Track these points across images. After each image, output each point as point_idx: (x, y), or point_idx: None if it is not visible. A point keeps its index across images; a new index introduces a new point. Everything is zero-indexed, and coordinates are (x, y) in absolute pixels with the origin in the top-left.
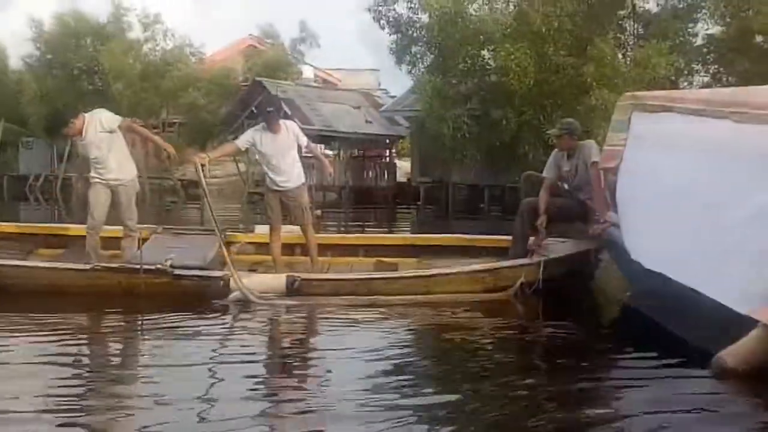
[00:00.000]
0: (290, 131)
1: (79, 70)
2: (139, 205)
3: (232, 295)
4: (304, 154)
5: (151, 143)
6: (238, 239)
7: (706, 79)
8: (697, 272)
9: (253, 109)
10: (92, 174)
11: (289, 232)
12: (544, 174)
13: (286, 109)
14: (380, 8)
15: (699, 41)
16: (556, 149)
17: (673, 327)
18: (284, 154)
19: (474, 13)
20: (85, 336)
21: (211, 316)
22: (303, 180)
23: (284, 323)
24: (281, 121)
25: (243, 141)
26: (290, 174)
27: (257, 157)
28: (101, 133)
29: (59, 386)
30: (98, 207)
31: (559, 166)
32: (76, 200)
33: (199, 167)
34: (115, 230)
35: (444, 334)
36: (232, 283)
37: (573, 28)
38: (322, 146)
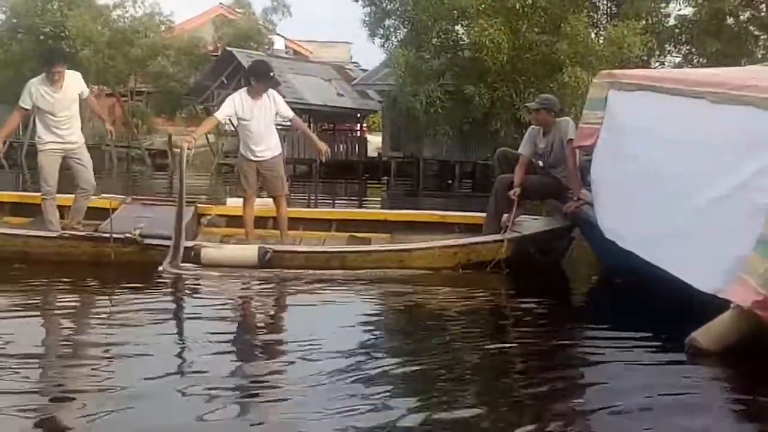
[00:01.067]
0: (272, 100)
1: (45, 35)
2: (105, 173)
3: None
4: (281, 126)
5: (118, 113)
6: (210, 212)
7: (677, 59)
8: (668, 252)
9: (224, 79)
10: (44, 137)
11: (263, 204)
12: (520, 150)
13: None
14: None
15: (671, 21)
16: (532, 126)
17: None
18: (266, 123)
19: None
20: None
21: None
22: (280, 150)
23: (242, 296)
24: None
25: (223, 113)
26: (269, 143)
27: (235, 124)
28: (74, 95)
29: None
30: (52, 173)
31: (534, 142)
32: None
33: (185, 152)
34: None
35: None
36: (203, 255)
37: (547, 6)
38: None
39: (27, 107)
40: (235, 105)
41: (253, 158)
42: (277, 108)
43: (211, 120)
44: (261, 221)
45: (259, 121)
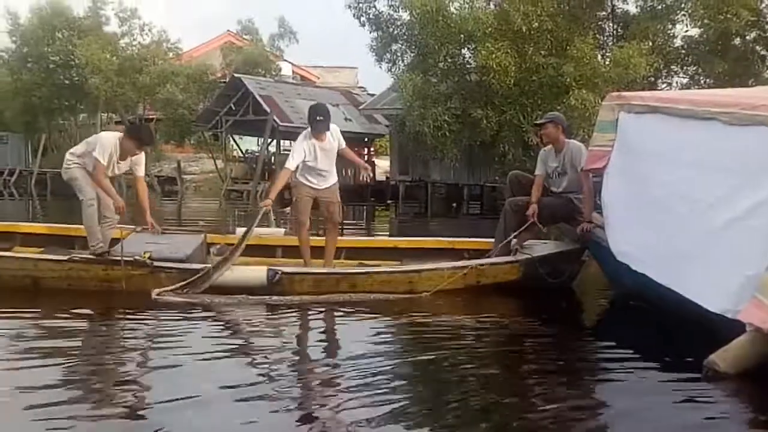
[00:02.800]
0: (335, 137)
1: (54, 63)
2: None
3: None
4: None
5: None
6: (219, 241)
7: (684, 80)
8: (681, 274)
9: (232, 105)
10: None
11: (270, 233)
12: (536, 172)
13: (266, 106)
14: (361, 5)
15: (678, 42)
16: (543, 147)
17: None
18: (329, 161)
19: (455, 11)
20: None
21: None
22: (336, 178)
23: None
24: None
25: (294, 162)
26: (329, 174)
27: (300, 166)
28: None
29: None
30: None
31: (545, 162)
32: (51, 196)
33: (262, 212)
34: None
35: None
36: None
37: (553, 28)
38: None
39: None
40: (304, 152)
41: (311, 186)
42: (338, 143)
43: (285, 172)
44: (270, 249)
45: (323, 160)
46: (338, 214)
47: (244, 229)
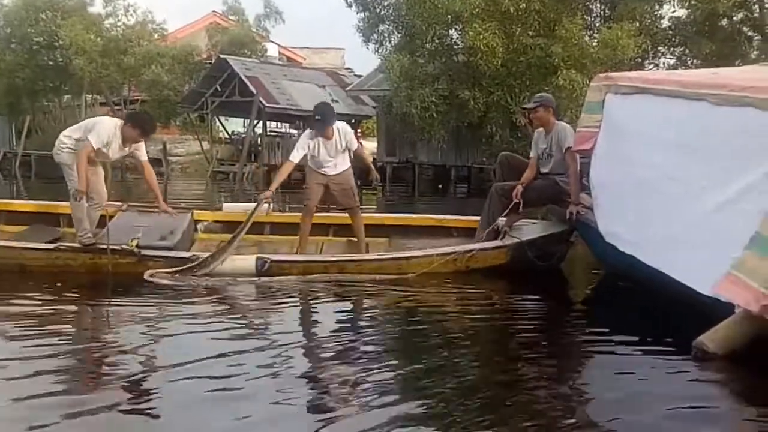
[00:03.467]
0: (342, 135)
1: (38, 44)
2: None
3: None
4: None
5: None
6: (206, 218)
7: (671, 61)
8: (670, 256)
9: (218, 86)
10: None
11: (260, 211)
12: (531, 155)
13: (252, 88)
14: None
15: (665, 23)
16: (536, 130)
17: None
18: (336, 157)
19: None
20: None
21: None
22: (348, 164)
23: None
24: (334, 125)
25: (298, 155)
26: (336, 161)
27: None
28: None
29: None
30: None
31: (536, 144)
32: (35, 177)
33: (262, 206)
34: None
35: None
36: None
37: (541, 9)
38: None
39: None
40: (307, 147)
41: (322, 173)
42: (346, 142)
43: (288, 164)
44: (258, 226)
45: (330, 157)
46: (354, 199)
47: (231, 204)
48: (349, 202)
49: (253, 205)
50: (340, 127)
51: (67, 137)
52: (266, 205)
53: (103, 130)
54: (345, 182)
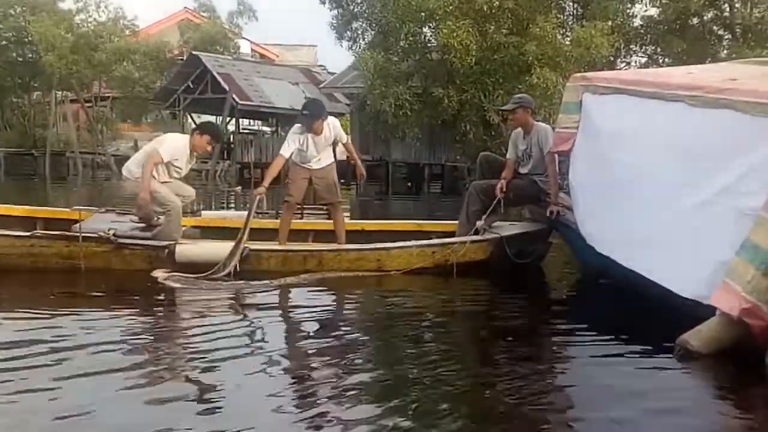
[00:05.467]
0: (332, 129)
1: (7, 40)
2: (71, 180)
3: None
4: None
5: (83, 118)
6: (185, 223)
7: (643, 59)
8: (649, 258)
9: (190, 83)
10: None
11: (238, 215)
12: (507, 156)
13: (225, 85)
14: None
15: (637, 22)
16: (514, 130)
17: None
18: (325, 151)
19: None
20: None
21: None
22: (332, 159)
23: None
24: (326, 120)
25: (289, 150)
26: (324, 157)
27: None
28: None
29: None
30: None
31: (515, 144)
32: (5, 176)
33: (257, 198)
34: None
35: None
36: (177, 253)
37: (515, 7)
38: (260, 123)
39: None
40: (298, 142)
41: (306, 167)
42: (335, 136)
43: (279, 159)
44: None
45: (319, 151)
46: (336, 194)
47: (209, 211)
48: (332, 197)
49: (229, 212)
50: (331, 121)
51: (136, 164)
52: (261, 199)
53: (174, 143)
54: (328, 176)
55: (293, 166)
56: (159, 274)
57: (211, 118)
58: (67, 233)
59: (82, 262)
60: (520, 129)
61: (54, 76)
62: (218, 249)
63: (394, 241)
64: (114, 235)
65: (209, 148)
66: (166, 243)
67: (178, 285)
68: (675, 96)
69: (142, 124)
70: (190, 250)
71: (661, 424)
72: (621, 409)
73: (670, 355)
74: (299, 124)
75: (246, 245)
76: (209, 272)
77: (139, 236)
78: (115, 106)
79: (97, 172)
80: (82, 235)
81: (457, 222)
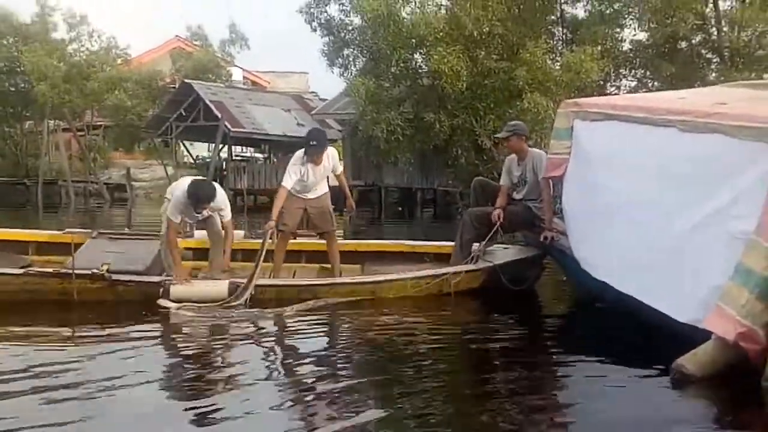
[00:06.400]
0: (330, 159)
1: (0, 70)
2: (63, 208)
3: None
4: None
5: (75, 147)
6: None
7: (632, 83)
8: (643, 282)
9: (182, 111)
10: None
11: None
12: (501, 182)
13: (217, 112)
14: (312, 10)
15: (626, 46)
16: (509, 156)
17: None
18: (320, 179)
19: (406, 16)
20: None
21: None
22: (326, 189)
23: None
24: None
25: (291, 182)
26: (320, 187)
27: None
28: None
29: None
30: None
31: (509, 171)
32: None
33: (269, 233)
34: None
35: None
36: (172, 291)
37: (504, 33)
38: (252, 149)
39: None
40: (300, 173)
41: (301, 197)
42: (333, 167)
43: (283, 191)
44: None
45: (317, 181)
46: (331, 223)
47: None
48: (327, 226)
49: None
50: (330, 152)
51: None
52: (272, 230)
53: (175, 203)
54: (323, 206)
55: (288, 195)
56: (168, 303)
57: (204, 146)
58: (60, 271)
59: (76, 297)
60: (514, 155)
61: (46, 106)
62: (211, 288)
63: (388, 261)
64: (107, 271)
65: (198, 210)
66: (160, 280)
67: (191, 314)
68: (666, 121)
69: (134, 152)
70: (184, 289)
71: None
72: None
73: (667, 380)
74: (300, 154)
75: (240, 282)
76: (224, 302)
77: (132, 271)
78: (107, 135)
79: (89, 200)
80: (75, 272)
81: (450, 243)
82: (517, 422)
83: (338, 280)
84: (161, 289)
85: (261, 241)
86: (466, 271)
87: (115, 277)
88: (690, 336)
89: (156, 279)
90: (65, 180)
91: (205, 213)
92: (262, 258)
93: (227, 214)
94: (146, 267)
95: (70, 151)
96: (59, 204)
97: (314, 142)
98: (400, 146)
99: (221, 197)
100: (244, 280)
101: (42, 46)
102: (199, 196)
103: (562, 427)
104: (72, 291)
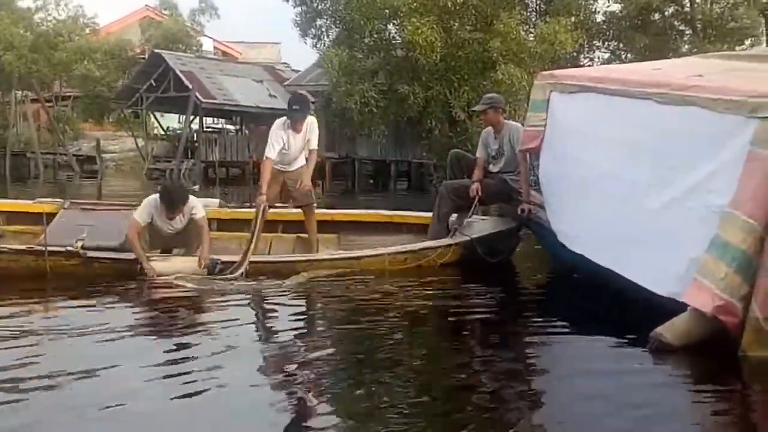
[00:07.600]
0: (310, 129)
1: None
2: (32, 180)
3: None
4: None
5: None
6: None
7: (606, 55)
8: (621, 255)
9: (152, 81)
10: None
11: (206, 206)
12: (477, 154)
13: (187, 83)
14: None
15: (599, 18)
16: (485, 129)
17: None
18: (300, 149)
19: None
20: None
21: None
22: (304, 161)
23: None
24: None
25: (274, 151)
26: (298, 159)
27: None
28: None
29: None
30: None
31: (486, 144)
32: None
33: (261, 207)
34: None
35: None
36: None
37: (478, 4)
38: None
39: None
40: (283, 140)
41: (279, 168)
42: (310, 137)
43: (268, 163)
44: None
45: (297, 150)
46: (310, 196)
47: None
48: (306, 199)
49: None
50: (309, 120)
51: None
52: (265, 207)
53: (145, 204)
54: (299, 177)
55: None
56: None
57: (174, 117)
58: (34, 248)
59: (49, 273)
60: (490, 128)
61: (13, 76)
62: (187, 264)
63: (364, 231)
64: (82, 247)
65: (170, 216)
66: (133, 257)
67: (189, 284)
68: (643, 93)
69: (104, 124)
70: (163, 265)
71: (632, 417)
72: (593, 403)
73: (645, 348)
74: (281, 121)
75: (218, 258)
76: (221, 275)
77: (107, 248)
78: (76, 106)
79: (58, 171)
80: (49, 249)
81: (427, 214)
82: (493, 389)
83: (317, 257)
84: (138, 266)
85: (254, 215)
86: (444, 246)
87: (90, 254)
88: (668, 306)
89: (131, 256)
90: (34, 152)
91: (178, 221)
92: (257, 233)
93: (200, 212)
94: (121, 243)
95: (38, 122)
96: (28, 176)
97: (297, 107)
98: (374, 118)
99: (194, 200)
100: (221, 257)
101: (8, 15)
102: (172, 198)
103: (538, 394)
104: (45, 266)
